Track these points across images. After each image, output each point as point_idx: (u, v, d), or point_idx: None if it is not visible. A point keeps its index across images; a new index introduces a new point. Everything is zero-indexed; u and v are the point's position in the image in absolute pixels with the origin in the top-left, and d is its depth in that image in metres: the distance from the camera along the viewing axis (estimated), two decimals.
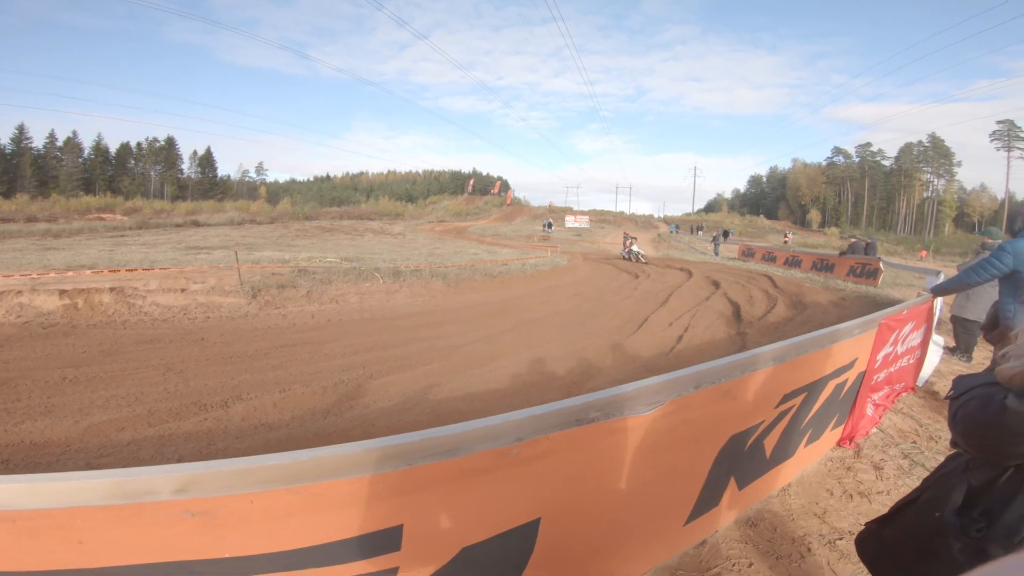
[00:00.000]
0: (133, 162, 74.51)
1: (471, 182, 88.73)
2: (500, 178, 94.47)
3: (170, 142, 76.18)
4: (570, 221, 52.52)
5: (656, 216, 77.51)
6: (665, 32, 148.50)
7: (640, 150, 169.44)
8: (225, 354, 5.11)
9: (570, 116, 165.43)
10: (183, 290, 7.41)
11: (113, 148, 73.18)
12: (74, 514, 0.89)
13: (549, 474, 1.41)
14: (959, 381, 1.14)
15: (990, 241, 5.56)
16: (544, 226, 42.17)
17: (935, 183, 70.33)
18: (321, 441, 3.23)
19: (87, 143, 70.88)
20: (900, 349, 3.64)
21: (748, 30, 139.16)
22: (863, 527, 1.41)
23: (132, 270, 8.49)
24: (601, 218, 62.00)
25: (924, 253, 39.08)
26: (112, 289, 6.92)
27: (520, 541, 1.43)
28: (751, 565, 2.14)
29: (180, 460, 2.97)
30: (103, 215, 41.62)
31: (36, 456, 3.03)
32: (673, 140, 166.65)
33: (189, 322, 6.39)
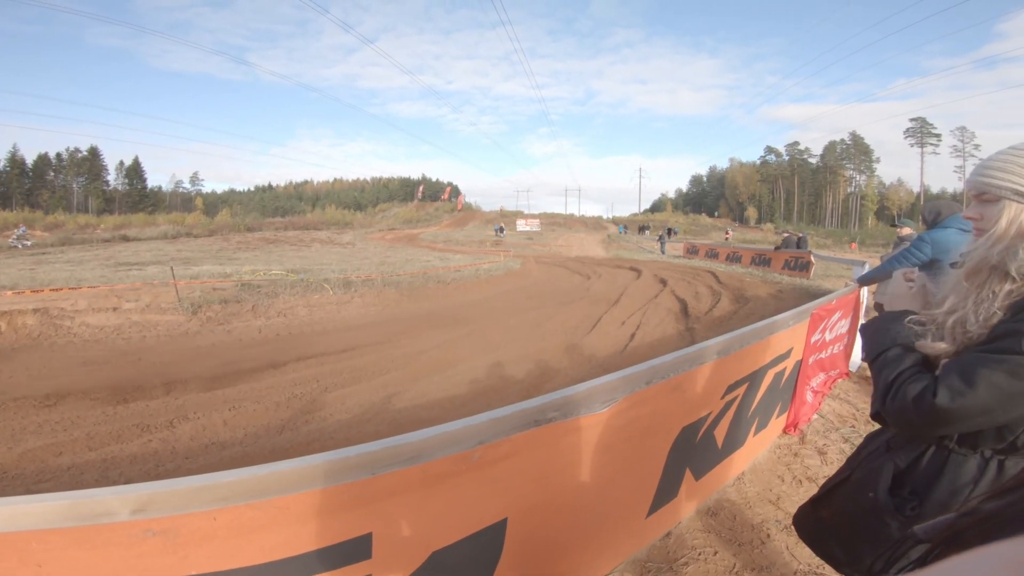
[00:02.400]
0: (53, 174, 69.47)
1: (421, 188, 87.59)
2: (450, 184, 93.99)
3: (93, 152, 71.54)
4: (521, 225, 52.85)
5: (605, 217, 79.18)
6: (613, 35, 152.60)
7: (589, 152, 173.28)
8: (166, 374, 4.86)
9: (520, 120, 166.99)
10: (115, 309, 6.98)
11: (30, 159, 68.01)
12: (30, 537, 0.86)
13: (512, 475, 1.44)
14: (872, 334, 1.22)
15: (906, 231, 6.04)
16: (496, 231, 42.20)
17: (857, 179, 75.53)
18: (278, 456, 3.14)
19: (0, 155, 65.56)
20: (829, 337, 3.89)
21: (690, 33, 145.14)
22: (798, 508, 1.50)
23: (57, 289, 7.92)
24: (552, 221, 62.73)
25: (854, 245, 41.83)
26: (36, 310, 6.44)
27: (488, 542, 1.46)
28: (716, 553, 2.23)
29: (129, 482, 2.83)
30: None
31: None
32: (620, 142, 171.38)
33: (124, 343, 6.04)
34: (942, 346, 1.07)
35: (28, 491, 2.75)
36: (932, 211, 3.77)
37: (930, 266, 3.64)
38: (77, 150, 71.14)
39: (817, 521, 1.38)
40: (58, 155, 70.16)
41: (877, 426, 1.33)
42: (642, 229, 57.37)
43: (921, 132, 69.00)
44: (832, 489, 1.35)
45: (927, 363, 1.10)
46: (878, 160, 74.67)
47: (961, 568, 0.33)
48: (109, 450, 3.24)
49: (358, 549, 1.16)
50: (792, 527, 2.40)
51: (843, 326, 4.23)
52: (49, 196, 66.57)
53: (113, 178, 74.16)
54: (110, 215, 59.70)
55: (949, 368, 1.01)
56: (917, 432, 1.11)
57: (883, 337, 1.17)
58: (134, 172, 75.65)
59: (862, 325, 1.26)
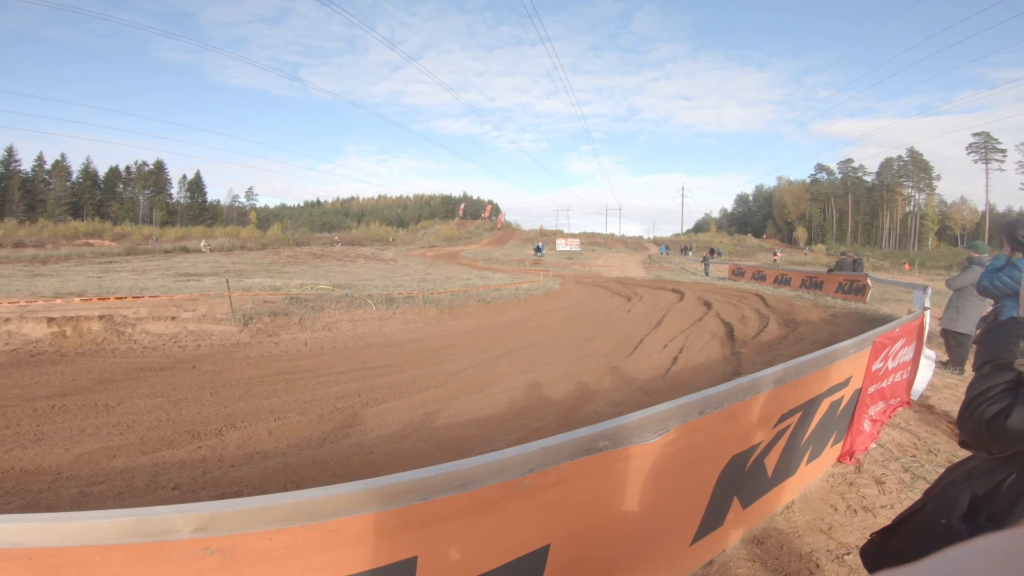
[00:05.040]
0: (122, 186, 74.24)
1: (462, 206, 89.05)
2: (491, 202, 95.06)
3: (159, 166, 76.14)
4: (561, 244, 52.86)
5: (646, 237, 78.13)
6: (656, 51, 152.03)
7: (630, 170, 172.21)
8: (217, 382, 5.05)
9: (561, 138, 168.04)
10: (173, 318, 7.34)
11: (102, 172, 72.91)
12: (92, 552, 0.89)
13: (558, 503, 1.42)
14: (982, 344, 1.19)
15: (976, 255, 5.65)
16: (536, 250, 42.29)
17: (916, 197, 71.82)
18: (319, 468, 3.20)
19: (76, 166, 70.56)
20: (891, 365, 3.70)
21: (737, 47, 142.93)
22: (868, 538, 1.43)
23: (121, 298, 8.41)
24: (592, 240, 62.42)
25: (908, 266, 39.89)
26: (101, 317, 6.84)
27: (529, 568, 1.44)
28: None
29: (176, 488, 2.92)
30: (91, 240, 41.44)
31: (27, 483, 2.96)
32: (663, 160, 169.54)
33: (180, 350, 6.32)
34: None
35: (81, 492, 2.87)
36: (1017, 231, 3.37)
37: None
38: (145, 163, 75.79)
39: (884, 550, 1.34)
40: (127, 168, 74.88)
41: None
42: (685, 250, 56.19)
43: (985, 147, 65.12)
44: (906, 519, 1.33)
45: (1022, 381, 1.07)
46: (938, 177, 70.91)
47: (952, 561, 0.34)
48: (160, 455, 3.37)
49: (403, 572, 1.17)
50: (842, 558, 2.31)
51: (906, 354, 4.01)
52: (118, 207, 70.95)
53: (176, 191, 78.64)
54: (172, 227, 63.27)
55: None
56: (986, 449, 1.13)
57: (987, 350, 1.16)
58: (195, 186, 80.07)
59: (984, 328, 1.22)
